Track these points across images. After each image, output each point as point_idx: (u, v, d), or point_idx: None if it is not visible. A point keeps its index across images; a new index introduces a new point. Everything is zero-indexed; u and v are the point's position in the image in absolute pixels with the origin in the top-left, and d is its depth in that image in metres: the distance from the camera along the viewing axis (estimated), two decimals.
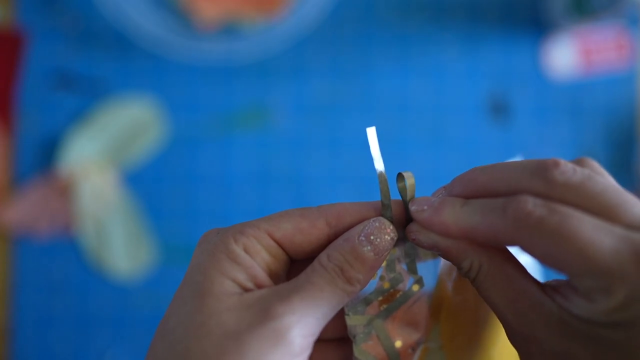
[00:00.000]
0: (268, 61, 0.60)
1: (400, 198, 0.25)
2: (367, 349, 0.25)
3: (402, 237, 0.25)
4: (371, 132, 0.25)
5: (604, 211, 0.21)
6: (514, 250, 0.24)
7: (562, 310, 0.21)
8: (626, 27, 0.62)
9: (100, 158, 0.59)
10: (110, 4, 0.56)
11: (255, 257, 0.23)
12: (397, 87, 0.61)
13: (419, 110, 0.61)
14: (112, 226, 0.58)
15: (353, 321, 0.25)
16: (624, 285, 0.19)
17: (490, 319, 0.28)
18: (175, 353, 0.21)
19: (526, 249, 0.21)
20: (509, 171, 0.23)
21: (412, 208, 0.24)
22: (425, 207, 0.24)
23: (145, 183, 0.60)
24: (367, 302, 0.25)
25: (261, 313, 0.21)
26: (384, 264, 0.25)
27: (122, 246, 0.58)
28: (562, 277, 0.22)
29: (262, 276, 0.23)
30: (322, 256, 0.23)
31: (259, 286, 0.23)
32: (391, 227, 0.24)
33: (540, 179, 0.21)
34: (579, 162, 0.24)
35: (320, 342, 0.26)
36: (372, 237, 0.23)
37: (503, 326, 0.23)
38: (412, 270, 0.26)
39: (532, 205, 0.21)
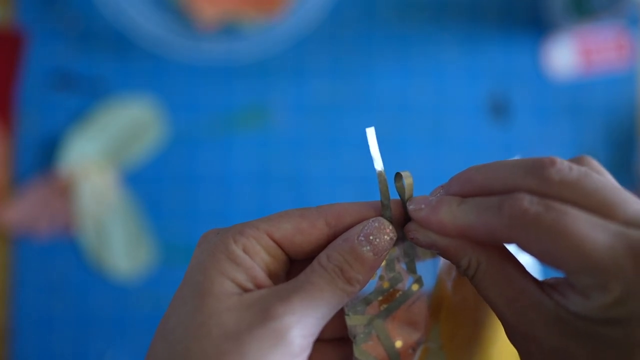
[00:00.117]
0: (268, 61, 0.60)
1: (399, 198, 0.25)
2: (367, 349, 0.25)
3: (401, 237, 0.25)
4: (370, 133, 0.25)
5: (600, 208, 0.21)
6: (513, 249, 0.24)
7: (560, 308, 0.21)
8: (626, 27, 0.62)
9: (100, 158, 0.59)
10: (110, 4, 0.56)
11: (254, 257, 0.23)
12: (397, 87, 0.61)
13: (419, 110, 0.61)
14: (112, 226, 0.58)
15: (353, 321, 0.25)
16: (620, 282, 0.19)
17: (490, 318, 0.28)
18: (176, 353, 0.21)
19: (522, 246, 0.21)
20: (505, 170, 0.23)
21: (410, 207, 0.24)
22: (423, 206, 0.24)
23: (145, 183, 0.60)
24: (367, 302, 0.25)
25: (261, 313, 0.21)
26: (383, 263, 0.25)
27: (122, 246, 0.58)
28: (560, 275, 0.22)
29: (262, 276, 0.23)
30: (322, 256, 0.23)
31: (259, 286, 0.23)
32: (390, 227, 0.24)
33: (536, 177, 0.22)
34: (577, 160, 0.24)
35: (320, 342, 0.26)
36: (371, 237, 0.23)
37: (502, 325, 0.23)
38: (412, 269, 0.26)
39: (528, 202, 0.21)
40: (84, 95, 0.60)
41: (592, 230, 0.20)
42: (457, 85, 0.61)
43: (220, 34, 0.59)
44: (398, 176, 0.25)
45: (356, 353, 0.25)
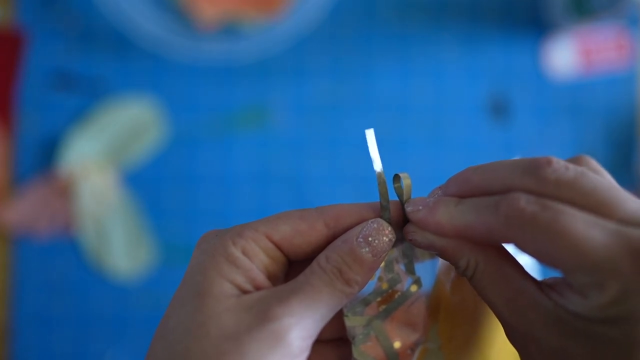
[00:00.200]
0: (268, 61, 0.60)
1: (398, 199, 0.25)
2: (366, 350, 0.25)
3: (400, 238, 0.25)
4: (370, 134, 0.25)
5: (596, 207, 0.21)
6: (512, 249, 0.24)
7: (559, 308, 0.21)
8: (626, 27, 0.62)
9: (100, 158, 0.59)
10: (110, 4, 0.56)
11: (253, 259, 0.23)
12: (397, 87, 0.61)
13: (419, 110, 0.61)
14: (112, 226, 0.58)
15: (352, 322, 0.25)
16: (617, 280, 0.19)
17: (489, 319, 0.28)
18: (175, 353, 0.21)
19: (519, 245, 0.22)
20: (502, 170, 0.23)
21: (408, 208, 0.24)
22: (420, 207, 0.24)
23: (145, 183, 0.60)
24: (365, 303, 0.25)
25: (260, 315, 0.22)
26: (382, 264, 0.25)
27: (122, 246, 0.58)
28: (558, 274, 0.22)
29: (261, 278, 0.23)
30: (321, 258, 0.23)
31: (258, 288, 0.23)
32: (389, 228, 0.24)
33: (533, 177, 0.22)
34: (576, 160, 0.24)
35: (319, 343, 0.26)
36: (370, 239, 0.23)
37: (502, 325, 0.23)
38: (410, 270, 0.26)
39: (524, 202, 0.21)
40: (84, 95, 0.60)
41: (588, 229, 0.20)
42: (457, 85, 0.61)
43: (220, 34, 0.58)
44: (396, 178, 0.25)
45: (355, 354, 0.25)
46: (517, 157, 0.25)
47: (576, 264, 0.20)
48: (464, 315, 0.27)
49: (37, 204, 0.58)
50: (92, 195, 0.58)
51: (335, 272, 0.23)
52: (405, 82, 0.61)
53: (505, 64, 0.61)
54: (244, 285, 0.23)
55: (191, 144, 0.60)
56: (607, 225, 0.20)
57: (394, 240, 0.24)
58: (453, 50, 0.61)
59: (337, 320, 0.26)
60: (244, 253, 0.23)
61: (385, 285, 0.25)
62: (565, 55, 0.62)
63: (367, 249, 0.23)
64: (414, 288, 0.26)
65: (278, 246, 0.24)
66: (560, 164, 0.22)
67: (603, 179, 0.22)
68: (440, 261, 0.27)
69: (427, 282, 0.26)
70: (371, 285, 0.25)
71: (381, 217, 0.25)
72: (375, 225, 0.24)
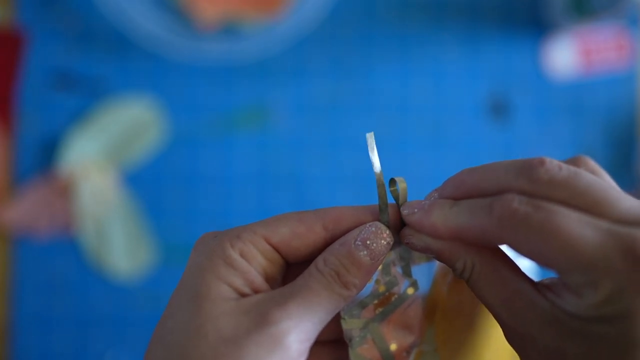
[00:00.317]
0: (268, 61, 0.60)
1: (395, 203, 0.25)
2: (362, 352, 0.25)
3: (397, 241, 0.25)
4: (370, 138, 0.25)
5: (590, 207, 0.21)
6: (508, 251, 0.24)
7: (555, 308, 0.21)
8: (626, 27, 0.62)
9: (100, 158, 0.59)
10: (110, 4, 0.56)
11: (251, 262, 0.23)
12: (397, 87, 0.61)
13: (419, 110, 0.61)
14: (112, 226, 0.58)
15: (349, 325, 0.25)
16: (610, 279, 0.20)
17: (486, 322, 0.28)
18: (173, 356, 0.21)
19: (513, 246, 0.22)
20: (496, 171, 0.23)
21: (404, 211, 0.25)
22: (416, 210, 0.24)
23: (145, 183, 0.60)
24: (362, 305, 0.25)
25: (258, 318, 0.22)
26: (379, 267, 0.25)
27: (122, 246, 0.58)
28: (555, 275, 0.22)
29: (259, 281, 0.23)
30: (319, 261, 0.23)
31: (256, 291, 0.23)
32: (387, 231, 0.24)
33: (526, 178, 0.22)
34: (574, 160, 0.24)
35: (316, 344, 0.26)
36: (368, 242, 0.23)
37: (500, 326, 0.23)
38: (407, 273, 0.26)
39: (517, 202, 0.21)
40: (84, 95, 0.60)
41: (581, 229, 0.20)
42: (457, 86, 0.61)
43: (220, 34, 0.59)
44: (392, 182, 0.25)
45: (352, 356, 0.25)
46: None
47: (570, 263, 0.20)
48: (461, 318, 0.27)
49: (37, 204, 0.58)
50: (92, 195, 0.58)
51: (333, 275, 0.23)
52: (405, 82, 0.61)
53: (505, 64, 0.61)
54: (241, 288, 0.23)
55: (191, 144, 0.60)
56: (600, 224, 0.20)
57: (392, 243, 0.24)
58: (453, 50, 0.61)
59: (335, 322, 0.26)
60: (242, 255, 0.23)
61: (382, 288, 0.25)
62: (565, 55, 0.62)
63: (365, 252, 0.23)
64: (410, 291, 0.26)
65: (276, 249, 0.24)
66: (553, 164, 0.22)
67: (597, 178, 0.22)
68: (438, 264, 0.27)
69: (424, 284, 0.27)
70: (368, 287, 0.25)
71: (380, 220, 0.25)
72: (373, 229, 0.24)
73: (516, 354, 0.23)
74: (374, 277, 0.25)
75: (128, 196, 0.59)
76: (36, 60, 0.60)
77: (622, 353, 0.20)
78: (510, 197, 0.21)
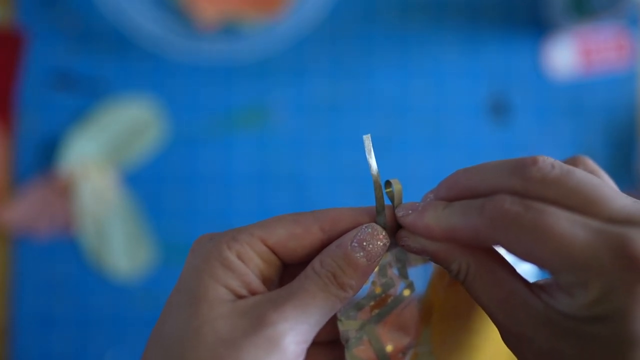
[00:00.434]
0: (268, 61, 0.60)
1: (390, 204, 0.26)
2: (358, 353, 0.25)
3: (394, 243, 0.26)
4: (367, 140, 0.25)
5: (582, 205, 0.21)
6: (503, 252, 0.24)
7: (549, 309, 0.21)
8: (626, 27, 0.62)
9: (100, 158, 0.59)
10: (110, 4, 0.56)
11: (248, 264, 0.23)
12: (397, 87, 0.61)
13: (419, 110, 0.61)
14: (112, 226, 0.58)
15: (345, 326, 0.25)
16: (600, 279, 0.20)
17: (483, 325, 0.28)
18: (171, 359, 0.21)
19: (505, 246, 0.22)
20: (489, 171, 0.23)
21: (399, 213, 0.25)
22: (410, 212, 0.24)
23: (145, 183, 0.60)
24: (359, 307, 0.25)
25: (255, 320, 0.22)
26: (375, 269, 0.25)
27: (122, 246, 0.58)
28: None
29: (256, 283, 0.23)
30: (315, 262, 0.23)
31: (253, 293, 0.23)
32: (383, 233, 0.24)
33: (519, 177, 0.22)
34: (573, 160, 0.24)
35: (313, 346, 0.26)
36: (364, 243, 0.23)
37: (496, 327, 0.23)
38: (404, 275, 0.26)
39: (509, 203, 0.21)
40: (84, 95, 0.60)
41: (572, 228, 0.20)
42: (457, 86, 0.61)
43: (220, 34, 0.59)
44: (388, 183, 0.26)
45: (348, 357, 0.25)
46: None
47: (561, 263, 0.20)
48: (458, 320, 0.27)
49: (37, 204, 0.58)
50: (92, 195, 0.58)
51: (329, 276, 0.23)
52: (405, 82, 0.61)
53: (505, 64, 0.61)
54: (238, 290, 0.23)
55: (191, 144, 0.60)
56: (591, 223, 0.20)
57: (388, 244, 0.24)
58: (453, 50, 0.61)
59: (331, 323, 0.26)
60: (239, 257, 0.23)
61: (378, 290, 0.25)
62: (565, 55, 0.62)
63: (361, 254, 0.23)
64: (406, 292, 0.26)
65: (273, 250, 0.24)
66: (545, 163, 0.22)
67: (590, 176, 0.21)
68: (434, 266, 0.27)
69: (420, 286, 0.27)
70: (364, 289, 0.25)
71: (376, 221, 0.25)
72: (369, 230, 0.24)
73: (514, 357, 0.23)
74: (371, 278, 0.25)
75: (128, 196, 0.59)
76: (36, 60, 0.60)
77: (615, 353, 0.20)
78: (502, 197, 0.22)
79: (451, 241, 0.23)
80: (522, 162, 0.22)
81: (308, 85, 0.61)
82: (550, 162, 0.22)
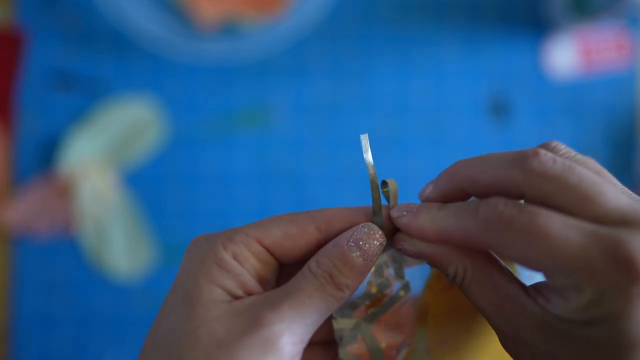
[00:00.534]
0: (268, 61, 0.60)
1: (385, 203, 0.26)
2: (352, 351, 0.25)
3: (390, 243, 0.26)
4: (364, 139, 0.25)
5: (578, 203, 0.21)
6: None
7: (545, 312, 0.21)
8: (626, 27, 0.62)
9: (100, 158, 0.59)
10: (110, 4, 0.56)
11: (244, 264, 0.23)
12: (397, 87, 0.61)
13: (419, 110, 0.61)
14: (112, 226, 0.58)
15: (340, 325, 0.25)
16: (593, 281, 0.19)
17: (483, 327, 0.28)
18: None
19: (498, 249, 0.22)
20: (490, 162, 0.23)
21: (394, 214, 0.25)
22: (405, 213, 0.24)
23: (145, 183, 0.60)
24: (354, 306, 0.25)
25: (251, 321, 0.21)
26: (372, 269, 0.25)
27: (122, 246, 0.58)
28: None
29: (252, 283, 0.23)
30: (311, 262, 0.23)
31: (249, 293, 0.23)
32: (380, 232, 0.24)
33: (519, 168, 0.22)
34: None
35: (309, 346, 0.26)
36: (361, 243, 0.23)
37: (494, 331, 0.23)
38: (400, 275, 0.26)
39: (502, 206, 0.21)
40: (84, 95, 0.60)
41: (564, 230, 0.20)
42: (457, 85, 0.61)
43: (220, 34, 0.59)
44: (384, 183, 0.26)
45: (341, 355, 0.25)
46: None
47: (554, 265, 0.20)
48: (456, 321, 0.27)
49: (37, 204, 0.58)
50: (92, 195, 0.58)
51: (326, 276, 0.23)
52: (405, 82, 0.61)
53: (505, 64, 0.61)
54: (234, 290, 0.23)
55: (191, 144, 0.60)
56: (584, 225, 0.20)
57: (384, 244, 0.24)
58: (453, 50, 0.61)
59: (327, 323, 0.26)
60: (235, 258, 0.23)
61: (374, 289, 0.25)
62: (565, 55, 0.62)
63: (358, 253, 0.23)
64: (402, 293, 0.26)
65: (269, 250, 0.24)
66: (547, 157, 0.21)
67: (590, 173, 0.21)
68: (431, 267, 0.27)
69: (416, 286, 0.27)
70: (360, 288, 0.25)
71: (373, 221, 0.25)
72: (365, 230, 0.24)
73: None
74: (367, 278, 0.25)
75: (128, 196, 0.59)
76: (36, 60, 0.60)
77: (611, 356, 0.20)
78: (496, 200, 0.22)
79: (445, 243, 0.23)
80: (523, 154, 0.22)
81: (308, 85, 0.61)
82: (551, 156, 0.21)
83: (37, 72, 0.60)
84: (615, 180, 0.23)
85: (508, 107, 0.61)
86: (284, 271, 0.26)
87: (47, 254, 0.59)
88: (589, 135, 0.61)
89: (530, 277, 0.24)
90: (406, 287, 0.26)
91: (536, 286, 0.22)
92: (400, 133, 0.61)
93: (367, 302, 0.25)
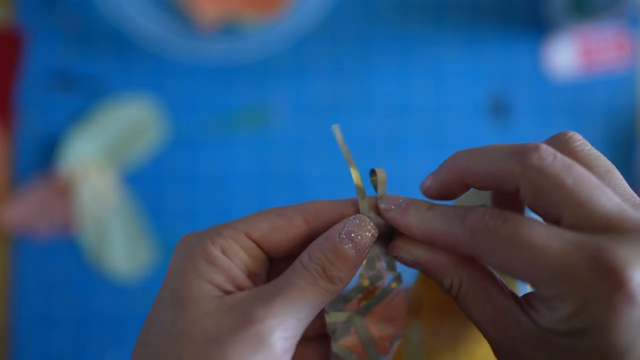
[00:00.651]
0: (268, 61, 0.60)
1: (375, 195, 0.26)
2: (345, 344, 0.25)
3: (381, 235, 0.25)
4: (337, 130, 0.25)
5: (568, 206, 0.20)
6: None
7: (537, 325, 0.21)
8: (626, 27, 0.62)
9: (100, 158, 0.59)
10: (110, 4, 0.56)
11: (233, 258, 0.23)
12: (397, 87, 0.61)
13: (419, 110, 0.61)
14: (112, 226, 0.58)
15: (332, 318, 0.25)
16: (576, 291, 0.19)
17: None
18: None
19: (483, 258, 0.22)
20: (491, 154, 0.23)
21: (381, 205, 0.25)
22: (393, 207, 0.24)
23: (145, 183, 0.60)
24: (346, 299, 0.25)
25: (242, 317, 0.21)
26: (363, 262, 0.25)
27: (122, 246, 0.58)
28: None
29: (241, 278, 0.23)
30: (304, 256, 0.23)
31: (239, 288, 0.23)
32: (371, 224, 0.24)
33: (518, 161, 0.21)
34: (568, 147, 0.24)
35: (302, 340, 0.26)
36: (353, 235, 0.23)
37: (488, 342, 0.23)
38: (392, 267, 0.26)
39: (488, 215, 0.21)
40: (84, 95, 0.60)
41: (547, 240, 0.20)
42: (457, 85, 0.61)
43: (220, 34, 0.59)
44: (373, 172, 0.26)
45: (334, 348, 0.25)
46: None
47: (537, 276, 0.20)
48: (451, 312, 0.27)
49: (37, 204, 0.58)
50: (92, 195, 0.58)
51: (318, 269, 0.23)
52: (405, 82, 0.61)
53: (505, 64, 0.61)
54: (224, 285, 0.23)
55: (191, 144, 0.60)
56: (567, 234, 0.20)
57: (376, 235, 0.24)
58: (453, 50, 0.61)
59: (320, 317, 0.26)
60: (224, 252, 0.23)
61: (366, 282, 0.25)
62: (565, 55, 0.62)
63: (350, 245, 0.23)
64: (394, 284, 0.26)
65: (258, 244, 0.24)
66: (548, 152, 0.21)
67: (588, 175, 0.21)
68: None
69: (408, 278, 0.27)
70: (352, 281, 0.25)
71: (359, 211, 0.25)
72: (357, 221, 0.24)
73: None
74: (358, 271, 0.26)
75: (128, 196, 0.59)
76: (36, 60, 0.60)
77: None
78: (482, 209, 0.22)
79: (430, 243, 0.23)
80: (524, 148, 0.22)
81: (308, 85, 0.61)
82: (552, 153, 0.21)
83: (37, 72, 0.60)
84: (622, 182, 0.22)
85: (508, 107, 0.61)
86: (274, 267, 0.26)
87: (47, 254, 0.59)
88: (589, 135, 0.61)
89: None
90: (398, 278, 0.26)
91: (527, 297, 0.22)
92: (400, 133, 0.61)
93: (360, 295, 0.25)
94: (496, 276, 0.23)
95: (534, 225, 0.20)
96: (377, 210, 0.25)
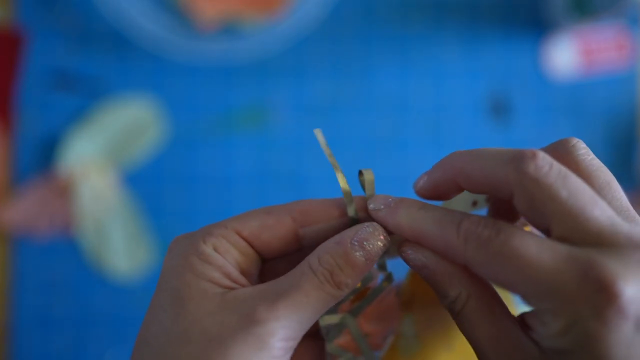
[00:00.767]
0: (268, 61, 0.60)
1: (364, 195, 0.26)
2: (339, 344, 0.25)
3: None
4: (319, 134, 0.25)
5: (560, 218, 0.20)
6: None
7: (538, 346, 0.21)
8: (626, 27, 0.62)
9: (100, 158, 0.59)
10: (110, 4, 0.56)
11: (225, 255, 0.23)
12: (397, 87, 0.61)
13: (419, 110, 0.61)
14: (112, 226, 0.58)
15: (326, 321, 0.25)
16: (567, 305, 0.19)
17: None
18: None
19: (476, 268, 0.21)
20: (487, 158, 0.22)
21: (370, 206, 0.24)
22: (382, 207, 0.24)
23: (145, 183, 0.60)
24: (339, 302, 0.25)
25: (245, 317, 0.21)
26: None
27: (122, 246, 0.58)
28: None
29: (235, 274, 0.23)
30: (312, 258, 0.23)
31: (235, 282, 0.23)
32: (385, 233, 0.23)
33: (514, 168, 0.21)
34: (570, 155, 0.23)
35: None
36: (365, 243, 0.23)
37: None
38: (382, 267, 0.26)
39: (482, 225, 0.21)
40: (84, 95, 0.60)
41: (538, 253, 0.19)
42: (457, 85, 0.61)
43: (220, 34, 0.58)
44: (360, 173, 0.26)
45: (328, 348, 0.25)
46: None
47: (529, 289, 0.20)
48: (442, 306, 0.27)
49: (37, 204, 0.58)
50: (92, 195, 0.58)
51: (326, 274, 0.22)
52: (405, 82, 0.61)
53: (505, 64, 0.61)
54: (221, 281, 0.23)
55: (191, 144, 0.60)
56: (558, 247, 0.20)
57: (387, 245, 0.24)
58: (453, 50, 0.61)
59: None
60: (216, 250, 0.23)
61: (358, 284, 0.25)
62: (565, 55, 0.62)
63: (361, 253, 0.23)
64: (385, 284, 0.26)
65: (248, 242, 0.24)
66: (545, 161, 0.21)
67: (582, 187, 0.21)
68: None
69: (398, 275, 0.27)
70: None
71: (347, 212, 0.25)
72: (370, 229, 0.23)
73: None
74: None
75: (128, 196, 0.59)
76: (36, 60, 0.60)
77: None
78: (477, 219, 0.21)
79: (419, 243, 0.23)
80: (521, 154, 0.21)
81: (308, 85, 0.61)
82: (549, 161, 0.21)
83: (37, 72, 0.60)
84: (619, 194, 0.22)
85: (508, 107, 0.61)
86: (266, 267, 0.26)
87: (47, 254, 0.59)
88: (589, 135, 0.61)
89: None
90: (389, 278, 0.26)
91: (522, 316, 0.22)
92: (400, 133, 0.61)
93: (352, 297, 0.25)
94: (497, 294, 0.23)
95: (527, 238, 0.20)
96: (366, 211, 0.25)
